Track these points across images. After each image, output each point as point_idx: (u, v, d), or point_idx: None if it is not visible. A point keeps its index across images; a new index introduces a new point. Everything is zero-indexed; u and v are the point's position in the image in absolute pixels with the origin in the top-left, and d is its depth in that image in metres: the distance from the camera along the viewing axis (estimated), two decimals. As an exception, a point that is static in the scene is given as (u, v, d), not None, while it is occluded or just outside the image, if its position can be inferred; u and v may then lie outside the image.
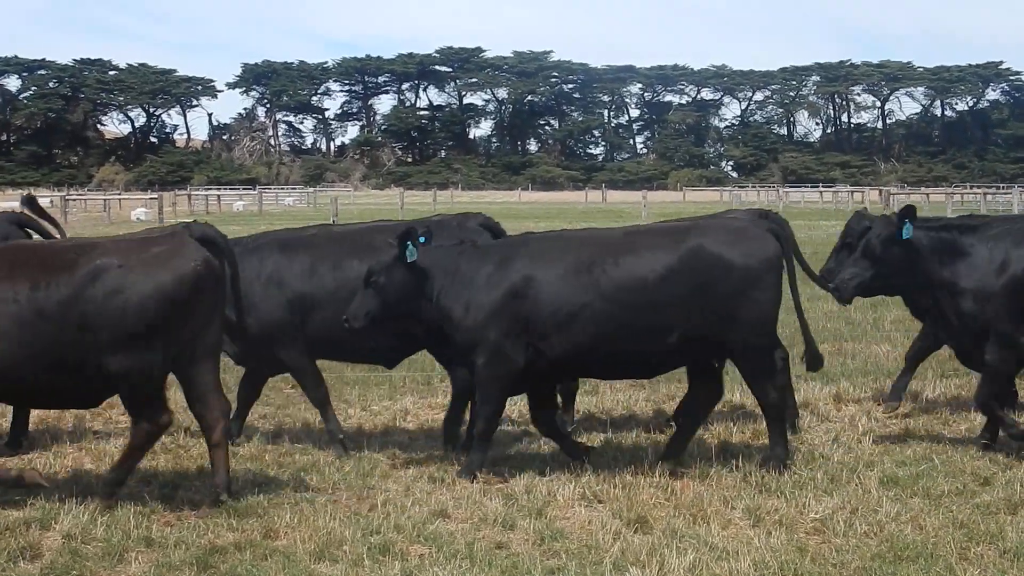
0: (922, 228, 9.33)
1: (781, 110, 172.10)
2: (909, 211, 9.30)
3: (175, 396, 11.39)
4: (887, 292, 10.06)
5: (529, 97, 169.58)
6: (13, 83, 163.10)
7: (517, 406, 10.99)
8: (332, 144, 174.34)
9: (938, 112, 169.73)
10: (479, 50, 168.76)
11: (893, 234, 9.23)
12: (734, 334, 8.59)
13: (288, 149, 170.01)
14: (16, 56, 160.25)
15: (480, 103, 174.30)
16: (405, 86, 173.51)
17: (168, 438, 9.83)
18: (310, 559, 6.81)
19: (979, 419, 10.31)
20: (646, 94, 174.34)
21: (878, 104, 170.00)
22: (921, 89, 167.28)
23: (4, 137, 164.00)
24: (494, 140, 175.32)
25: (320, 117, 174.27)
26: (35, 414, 10.72)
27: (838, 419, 10.44)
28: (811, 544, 7.06)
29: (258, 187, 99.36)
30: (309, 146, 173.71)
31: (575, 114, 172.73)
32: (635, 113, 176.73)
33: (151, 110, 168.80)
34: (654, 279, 8.50)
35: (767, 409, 8.81)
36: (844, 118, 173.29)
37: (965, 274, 9.17)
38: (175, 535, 7.25)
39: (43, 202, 58.28)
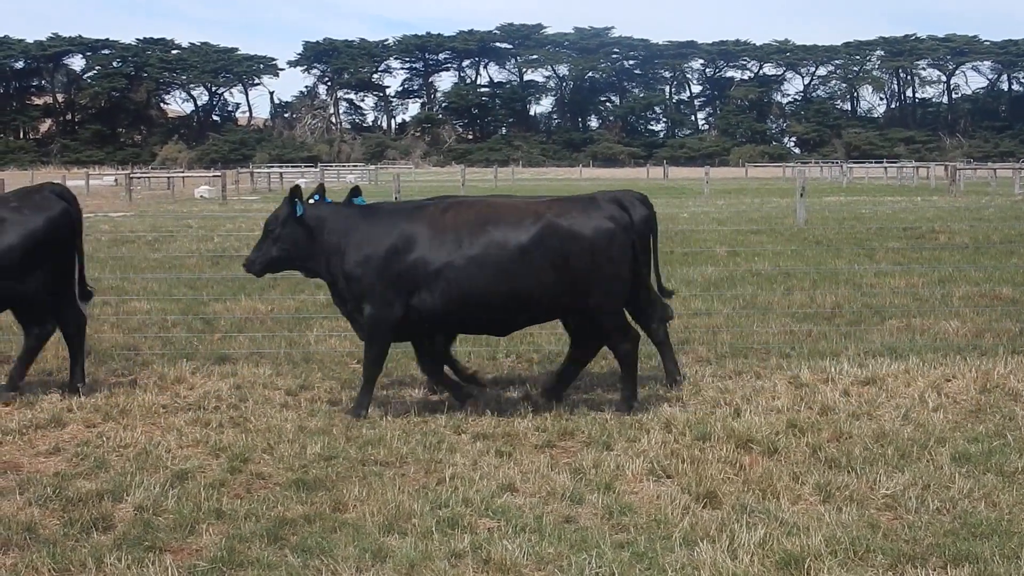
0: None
1: (845, 85, 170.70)
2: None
3: (243, 370, 11.51)
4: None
5: (590, 74, 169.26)
6: (77, 63, 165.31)
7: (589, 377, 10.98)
8: (393, 122, 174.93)
9: (1005, 86, 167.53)
10: (539, 27, 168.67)
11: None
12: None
13: (349, 127, 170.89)
14: (80, 36, 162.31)
15: (541, 80, 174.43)
16: (466, 63, 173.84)
17: (235, 412, 9.92)
18: (379, 532, 6.82)
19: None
20: (708, 70, 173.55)
21: (943, 79, 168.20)
22: (988, 63, 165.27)
23: (69, 116, 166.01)
24: (555, 117, 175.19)
25: (381, 95, 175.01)
26: (105, 389, 10.87)
27: (907, 395, 10.30)
28: (883, 520, 6.98)
29: (320, 165, 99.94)
30: (370, 124, 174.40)
31: (636, 90, 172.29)
32: (697, 89, 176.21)
33: (213, 89, 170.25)
34: None
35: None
36: (909, 93, 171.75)
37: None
38: (245, 508, 7.29)
39: (107, 180, 58.91)
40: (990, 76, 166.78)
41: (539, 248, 9.55)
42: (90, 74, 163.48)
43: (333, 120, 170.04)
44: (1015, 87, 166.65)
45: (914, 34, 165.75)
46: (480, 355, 12.45)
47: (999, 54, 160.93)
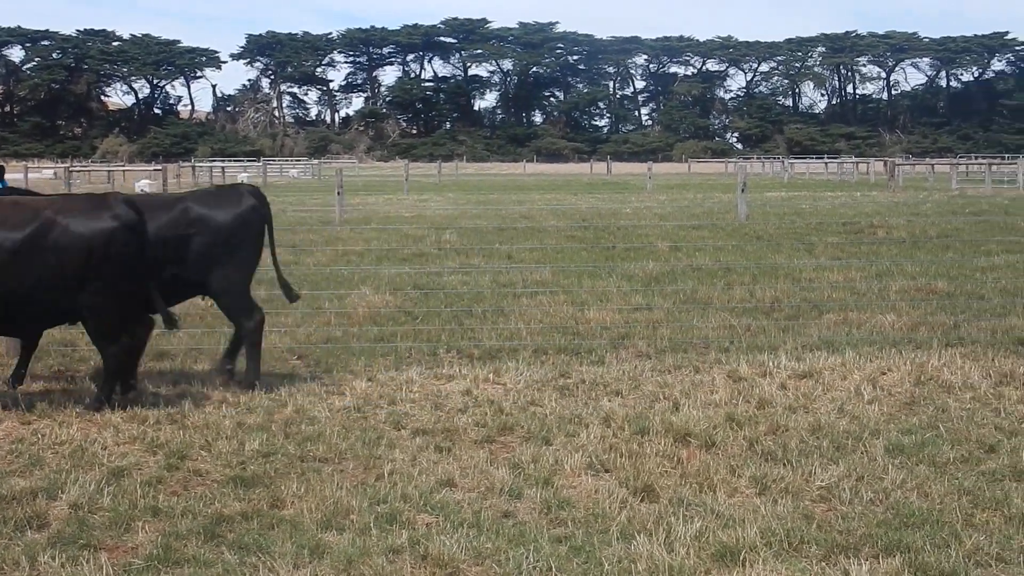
0: None
1: (786, 81, 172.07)
2: None
3: (185, 364, 11.43)
4: None
5: (534, 69, 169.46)
6: (16, 54, 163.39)
7: (524, 375, 11.01)
8: (337, 116, 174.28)
9: (943, 83, 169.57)
10: (484, 21, 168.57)
11: None
12: None
13: (292, 121, 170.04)
14: (19, 26, 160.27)
15: (485, 75, 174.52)
16: (410, 57, 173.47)
17: (173, 408, 9.85)
18: (317, 528, 6.81)
19: (984, 387, 10.32)
20: (651, 66, 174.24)
21: (883, 75, 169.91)
22: (927, 60, 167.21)
23: (7, 108, 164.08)
24: (499, 112, 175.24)
25: (324, 89, 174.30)
26: (40, 383, 10.76)
27: (844, 388, 10.42)
28: (817, 512, 7.05)
29: (262, 159, 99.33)
30: (313, 118, 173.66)
31: (580, 86, 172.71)
32: (640, 85, 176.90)
33: (155, 81, 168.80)
34: None
35: None
36: (849, 89, 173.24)
37: None
38: (182, 505, 7.24)
39: (47, 174, 58.29)
40: (929, 73, 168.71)
41: (34, 246, 9.42)
42: (29, 65, 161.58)
43: (276, 114, 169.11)
44: (953, 84, 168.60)
45: (855, 31, 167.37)
46: (420, 350, 12.45)
47: (938, 51, 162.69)
